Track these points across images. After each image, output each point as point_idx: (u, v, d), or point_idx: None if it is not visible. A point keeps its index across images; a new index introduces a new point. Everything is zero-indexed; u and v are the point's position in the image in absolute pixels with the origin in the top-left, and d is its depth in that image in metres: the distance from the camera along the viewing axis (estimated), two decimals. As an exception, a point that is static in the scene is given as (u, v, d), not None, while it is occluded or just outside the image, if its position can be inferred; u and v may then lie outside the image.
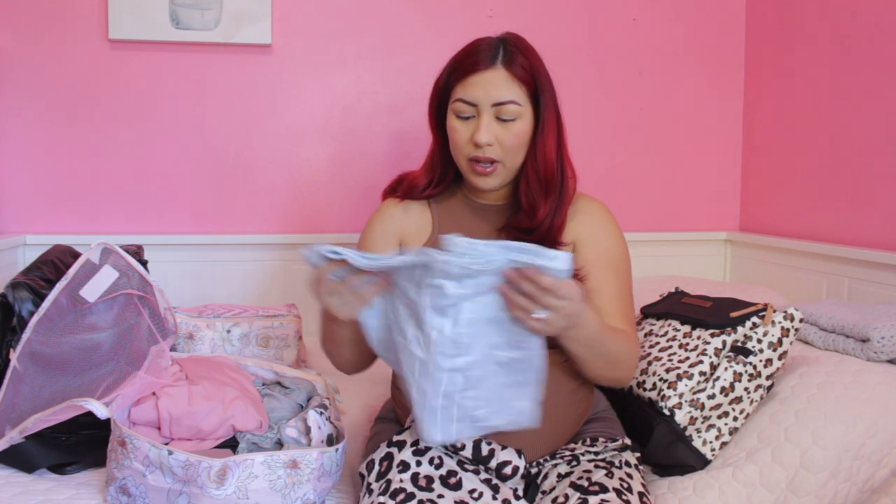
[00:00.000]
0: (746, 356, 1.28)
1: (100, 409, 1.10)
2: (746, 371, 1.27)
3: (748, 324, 1.30)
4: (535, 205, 1.22)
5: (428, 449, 1.10)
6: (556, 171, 1.22)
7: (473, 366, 0.97)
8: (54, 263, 1.45)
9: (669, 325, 1.42)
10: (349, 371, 1.25)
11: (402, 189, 1.32)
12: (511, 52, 1.19)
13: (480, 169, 1.21)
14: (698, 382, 1.25)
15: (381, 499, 1.03)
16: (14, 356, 1.25)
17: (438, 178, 1.30)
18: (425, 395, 0.97)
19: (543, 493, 1.11)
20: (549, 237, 1.21)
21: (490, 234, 1.27)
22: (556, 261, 0.92)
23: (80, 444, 1.27)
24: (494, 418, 1.00)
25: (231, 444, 1.24)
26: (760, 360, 1.28)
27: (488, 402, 1.00)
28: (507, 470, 1.09)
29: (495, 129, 1.18)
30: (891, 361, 1.40)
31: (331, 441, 1.21)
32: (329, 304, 1.02)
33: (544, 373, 1.00)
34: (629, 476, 1.13)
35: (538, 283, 0.92)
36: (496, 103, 1.18)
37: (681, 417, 1.24)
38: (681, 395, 1.25)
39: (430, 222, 1.30)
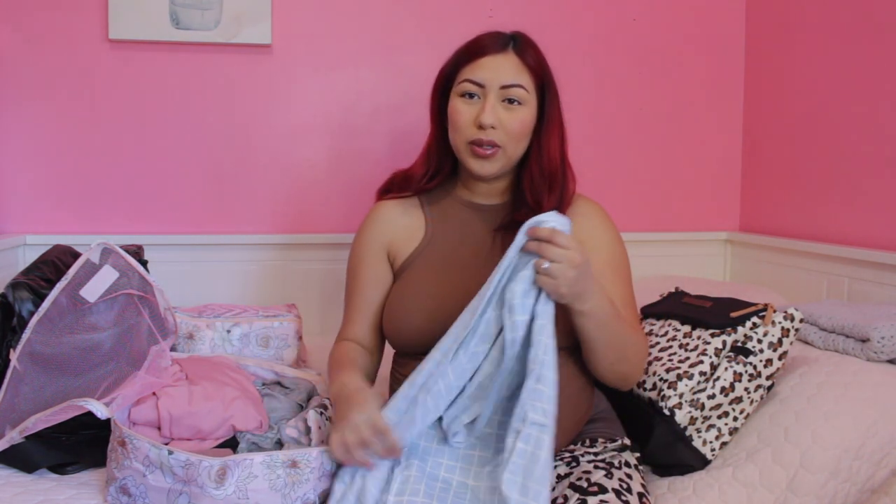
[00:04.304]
0: (746, 356, 1.28)
1: (100, 410, 1.10)
2: (746, 371, 1.27)
3: (748, 324, 1.30)
4: (539, 200, 1.21)
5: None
6: (559, 168, 1.23)
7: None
8: (54, 263, 1.45)
9: (669, 325, 1.41)
10: None
11: (396, 183, 1.32)
12: (522, 44, 1.22)
13: (480, 151, 1.19)
14: (698, 382, 1.25)
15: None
16: (14, 356, 1.25)
17: (435, 170, 1.30)
18: None
19: (543, 493, 1.12)
20: None
21: (485, 235, 1.26)
22: (550, 218, 1.03)
23: (80, 444, 1.26)
24: None
25: (231, 444, 1.24)
26: (760, 360, 1.28)
27: None
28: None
29: (500, 112, 1.19)
30: (891, 361, 1.40)
31: (331, 441, 1.20)
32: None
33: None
34: (628, 476, 1.12)
35: (537, 235, 1.00)
36: (504, 85, 1.19)
37: (681, 417, 1.24)
38: (681, 395, 1.25)
39: (423, 224, 1.30)
